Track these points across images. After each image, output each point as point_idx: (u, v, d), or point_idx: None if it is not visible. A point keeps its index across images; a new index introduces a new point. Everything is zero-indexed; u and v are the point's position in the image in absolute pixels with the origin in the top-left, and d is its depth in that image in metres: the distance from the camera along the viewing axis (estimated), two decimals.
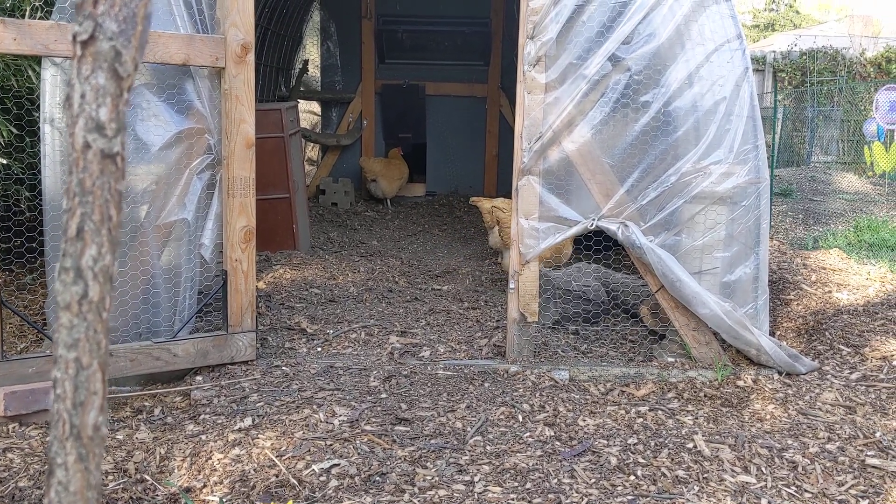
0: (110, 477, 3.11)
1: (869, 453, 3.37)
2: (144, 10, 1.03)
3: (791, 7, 39.35)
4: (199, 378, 4.09)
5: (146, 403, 3.88)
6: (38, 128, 3.87)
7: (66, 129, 1.00)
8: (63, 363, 0.95)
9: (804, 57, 20.99)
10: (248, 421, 3.57)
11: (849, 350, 4.53)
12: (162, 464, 3.22)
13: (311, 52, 12.77)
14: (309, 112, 13.60)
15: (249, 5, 4.05)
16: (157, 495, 2.99)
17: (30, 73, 4.17)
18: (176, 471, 3.17)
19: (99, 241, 0.92)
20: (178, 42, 3.84)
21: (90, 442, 0.96)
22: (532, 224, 4.30)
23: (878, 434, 3.53)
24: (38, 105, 3.86)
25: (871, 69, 20.38)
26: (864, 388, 4.10)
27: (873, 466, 3.26)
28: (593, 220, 4.29)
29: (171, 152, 3.99)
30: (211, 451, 3.29)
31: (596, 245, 4.49)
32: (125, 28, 0.93)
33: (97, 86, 0.92)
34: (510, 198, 4.64)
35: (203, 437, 3.43)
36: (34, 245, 4.10)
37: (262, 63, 8.92)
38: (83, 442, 0.95)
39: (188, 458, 3.25)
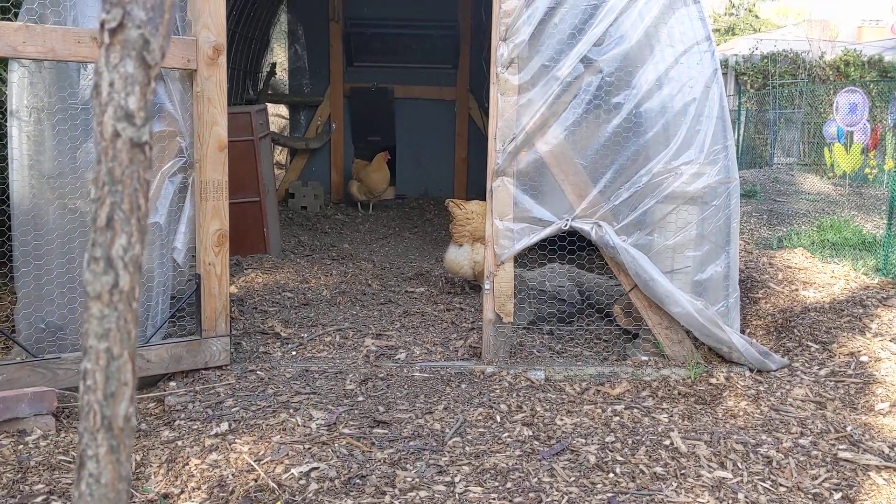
0: None
1: (841, 447, 3.44)
2: None
3: (751, 12, 40.04)
4: (172, 384, 4.04)
5: None
6: (6, 131, 3.79)
7: (95, 118, 0.98)
8: (94, 353, 0.93)
9: (765, 60, 21.39)
10: (224, 426, 3.53)
11: (817, 346, 4.61)
12: (138, 470, 3.18)
13: (279, 55, 12.70)
14: (277, 115, 13.51)
15: (221, 7, 4.02)
16: (134, 502, 2.94)
17: None
18: (153, 477, 3.12)
19: (129, 230, 0.91)
20: None
21: (121, 433, 0.95)
22: (507, 225, 4.31)
23: (849, 428, 3.60)
24: (6, 109, 3.78)
25: (830, 72, 20.83)
26: (833, 383, 4.18)
27: (845, 460, 3.33)
28: (567, 220, 4.32)
29: None
30: (188, 457, 3.25)
31: (569, 246, 4.52)
32: (153, 16, 0.93)
33: (126, 74, 0.91)
34: (483, 200, 4.66)
35: (179, 443, 3.38)
36: (2, 251, 4.02)
37: (230, 66, 8.83)
38: (114, 433, 0.94)
39: (164, 465, 3.21)
